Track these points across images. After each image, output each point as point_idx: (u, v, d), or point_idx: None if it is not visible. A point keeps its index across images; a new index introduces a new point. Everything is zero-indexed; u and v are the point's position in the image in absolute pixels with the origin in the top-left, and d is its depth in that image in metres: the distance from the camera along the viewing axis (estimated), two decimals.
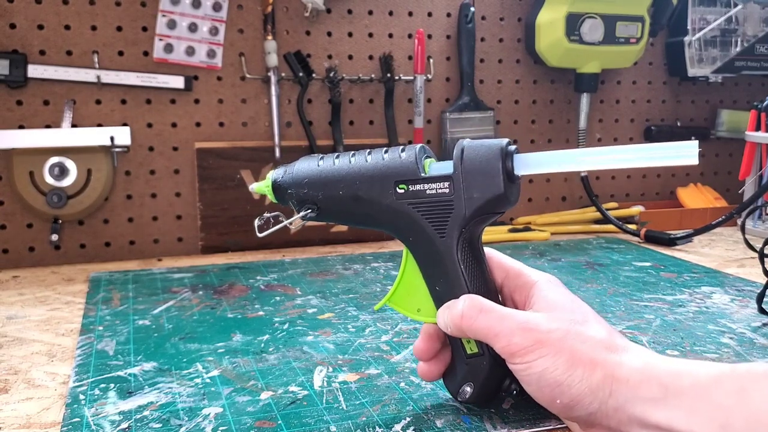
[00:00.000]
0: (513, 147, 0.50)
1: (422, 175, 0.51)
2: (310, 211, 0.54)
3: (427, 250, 0.52)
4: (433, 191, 0.51)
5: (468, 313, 0.49)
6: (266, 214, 0.58)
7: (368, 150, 0.53)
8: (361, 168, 0.52)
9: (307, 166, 0.55)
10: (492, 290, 0.53)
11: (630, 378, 0.44)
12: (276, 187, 0.55)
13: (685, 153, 0.44)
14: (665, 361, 0.45)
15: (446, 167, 0.51)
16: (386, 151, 0.53)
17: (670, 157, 0.45)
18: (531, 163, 0.50)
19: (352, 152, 0.54)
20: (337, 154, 0.54)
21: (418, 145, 0.52)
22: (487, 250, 0.55)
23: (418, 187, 0.51)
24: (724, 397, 0.41)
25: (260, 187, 0.57)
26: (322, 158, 0.55)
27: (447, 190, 0.50)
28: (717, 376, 0.42)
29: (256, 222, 0.57)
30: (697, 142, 0.44)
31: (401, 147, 0.53)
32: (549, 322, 0.47)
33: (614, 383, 0.45)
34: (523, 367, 0.47)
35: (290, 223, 0.56)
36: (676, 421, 0.42)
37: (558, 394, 0.46)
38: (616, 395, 0.44)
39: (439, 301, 0.52)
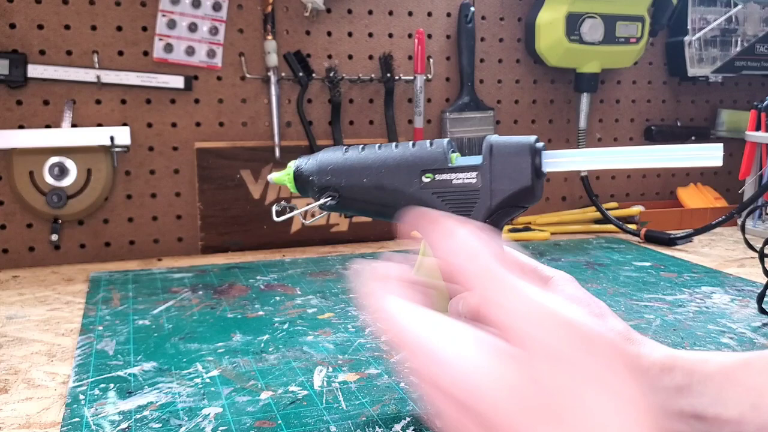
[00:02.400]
0: (541, 144, 0.51)
1: (450, 165, 0.52)
2: (330, 198, 0.54)
3: None
4: (460, 181, 0.51)
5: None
6: (284, 202, 0.58)
7: (395, 143, 0.54)
8: (388, 157, 0.53)
9: (332, 155, 0.55)
10: None
11: (650, 368, 0.44)
12: (298, 174, 0.55)
13: (709, 155, 0.45)
14: (686, 351, 0.46)
15: (474, 159, 0.52)
16: (414, 144, 0.53)
17: (695, 158, 0.46)
18: (559, 161, 0.50)
19: (379, 144, 0.54)
20: (362, 146, 0.55)
21: (446, 139, 0.53)
22: None
23: (444, 176, 0.52)
24: (754, 376, 0.40)
25: (279, 177, 0.57)
26: (347, 149, 0.55)
27: (474, 180, 0.51)
28: (745, 359, 0.42)
29: (274, 207, 0.58)
30: (721, 144, 0.45)
31: (429, 141, 0.53)
32: None
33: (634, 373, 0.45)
34: None
35: (307, 212, 0.56)
36: (701, 406, 0.42)
37: None
38: None
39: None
